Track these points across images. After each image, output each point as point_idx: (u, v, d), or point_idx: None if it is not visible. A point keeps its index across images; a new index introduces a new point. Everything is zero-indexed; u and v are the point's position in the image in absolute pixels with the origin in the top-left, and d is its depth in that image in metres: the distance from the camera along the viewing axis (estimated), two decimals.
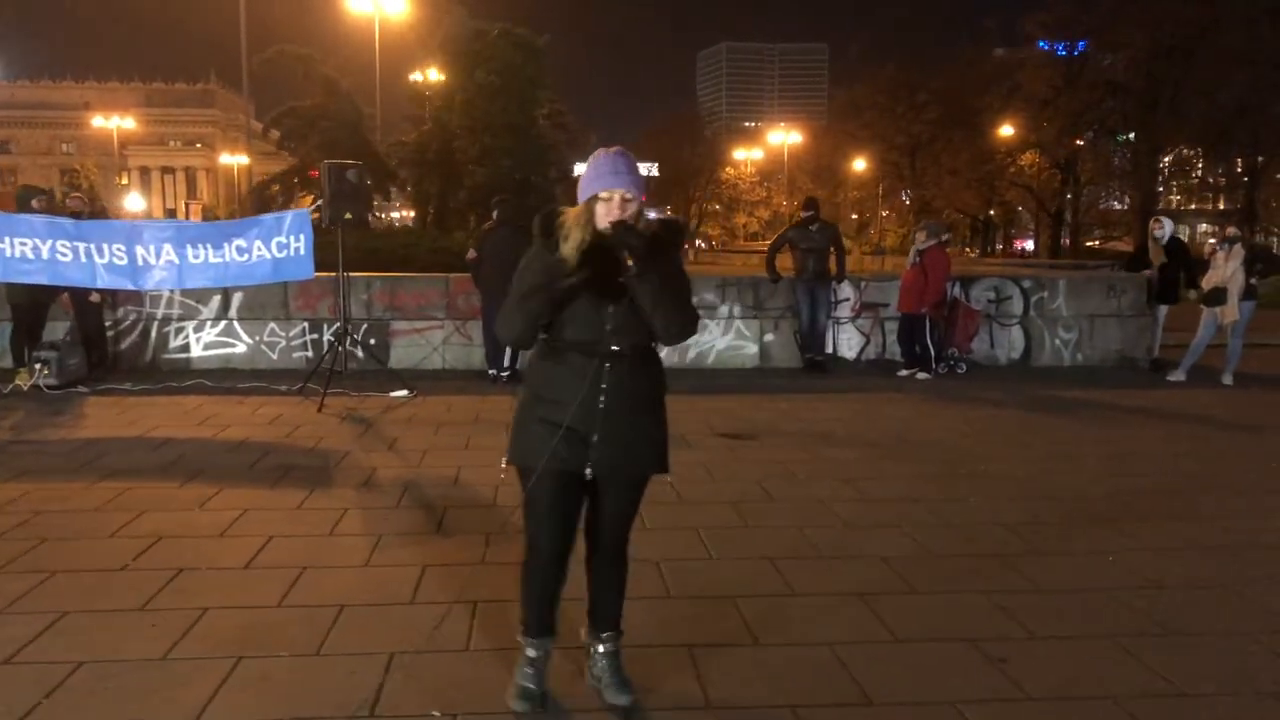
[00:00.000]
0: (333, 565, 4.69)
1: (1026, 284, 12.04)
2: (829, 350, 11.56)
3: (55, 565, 4.61)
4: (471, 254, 9.97)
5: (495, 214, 9.87)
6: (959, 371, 11.08)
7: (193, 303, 10.66)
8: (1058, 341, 11.98)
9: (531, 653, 3.32)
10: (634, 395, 3.13)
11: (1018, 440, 7.73)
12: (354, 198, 9.06)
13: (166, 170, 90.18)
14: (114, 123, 72.28)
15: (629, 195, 3.02)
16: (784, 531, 5.28)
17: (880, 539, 5.20)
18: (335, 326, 9.87)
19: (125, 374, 10.06)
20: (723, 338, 11.54)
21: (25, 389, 9.09)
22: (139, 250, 8.60)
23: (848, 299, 11.83)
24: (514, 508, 5.68)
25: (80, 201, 11.00)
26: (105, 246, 8.58)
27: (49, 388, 9.11)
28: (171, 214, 73.77)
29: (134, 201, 74.38)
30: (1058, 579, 4.63)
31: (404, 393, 9.19)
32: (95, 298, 9.86)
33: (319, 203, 9.26)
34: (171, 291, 10.32)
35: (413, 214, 24.52)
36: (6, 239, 8.55)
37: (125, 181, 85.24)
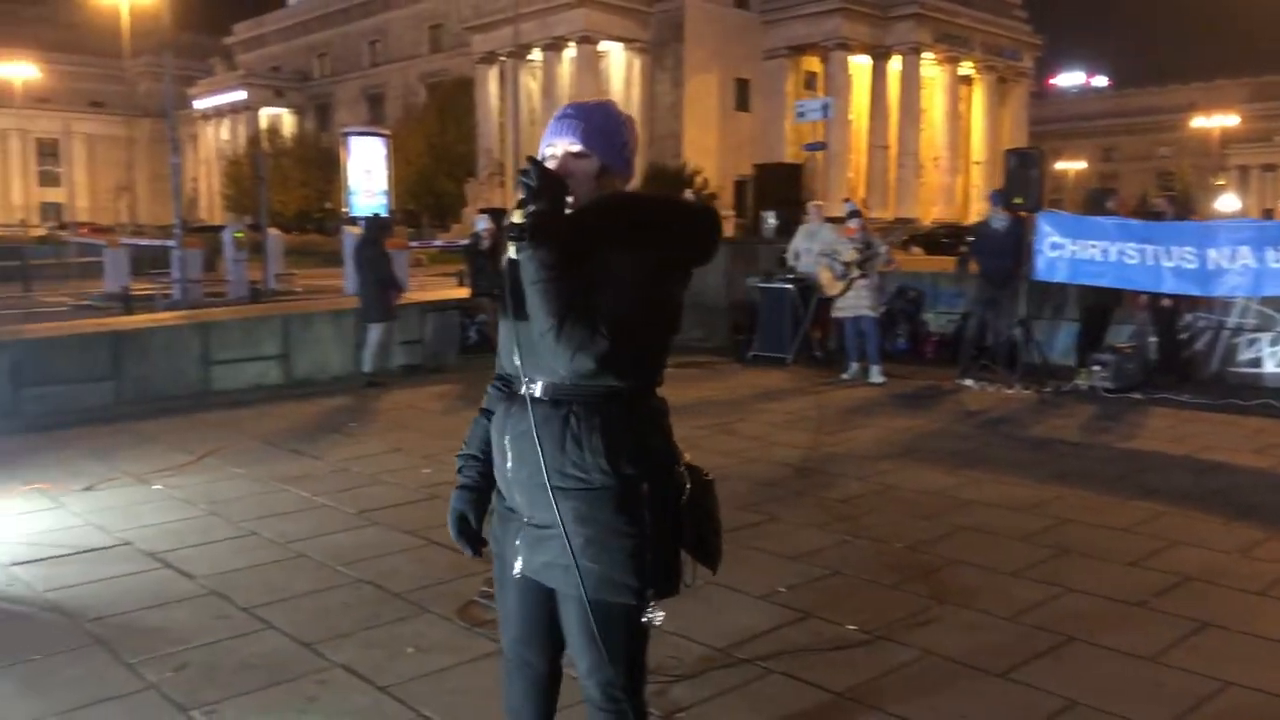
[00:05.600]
0: None
1: None
2: None
3: (1070, 581, 4.41)
4: None
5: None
6: None
7: (1271, 312, 9.46)
8: None
9: None
10: (554, 464, 2.04)
11: None
12: None
13: (1267, 168, 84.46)
14: (1215, 121, 70.45)
15: (575, 149, 2.12)
16: None
17: None
18: None
19: (1184, 384, 9.46)
20: None
21: (1083, 389, 9.23)
22: (1211, 253, 7.98)
23: None
24: None
25: (1165, 203, 10.73)
26: (1173, 249, 8.19)
27: (1105, 391, 9.07)
28: (1269, 214, 68.84)
29: (1227, 202, 71.48)
30: None
31: None
32: (1167, 302, 9.47)
33: None
34: (1246, 299, 9.31)
35: None
36: (1077, 241, 8.80)
37: (1222, 182, 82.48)
